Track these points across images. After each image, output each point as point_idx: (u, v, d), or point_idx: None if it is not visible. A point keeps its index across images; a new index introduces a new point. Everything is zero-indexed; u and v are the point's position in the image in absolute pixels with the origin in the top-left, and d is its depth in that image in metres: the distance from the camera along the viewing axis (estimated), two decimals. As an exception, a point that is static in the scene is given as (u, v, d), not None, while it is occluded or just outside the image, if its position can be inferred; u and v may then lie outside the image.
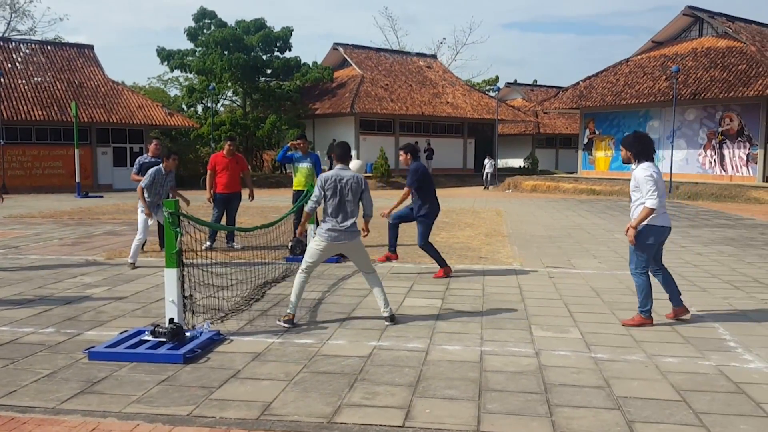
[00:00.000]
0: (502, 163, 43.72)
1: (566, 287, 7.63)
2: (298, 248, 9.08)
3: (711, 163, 27.35)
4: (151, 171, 8.80)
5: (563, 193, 27.64)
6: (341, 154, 5.99)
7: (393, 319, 5.86)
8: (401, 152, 8.60)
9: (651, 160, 5.77)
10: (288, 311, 5.78)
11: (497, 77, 56.65)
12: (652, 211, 5.55)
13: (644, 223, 5.64)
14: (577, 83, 33.00)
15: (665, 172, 26.34)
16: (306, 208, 6.10)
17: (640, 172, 5.66)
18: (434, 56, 45.15)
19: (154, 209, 8.78)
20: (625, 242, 11.50)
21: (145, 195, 8.71)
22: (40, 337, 5.39)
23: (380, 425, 3.69)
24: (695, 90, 26.76)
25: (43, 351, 5.02)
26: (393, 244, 8.69)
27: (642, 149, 5.77)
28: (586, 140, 32.24)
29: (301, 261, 8.29)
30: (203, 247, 9.85)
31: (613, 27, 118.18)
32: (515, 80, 52.49)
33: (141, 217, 8.86)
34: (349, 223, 5.81)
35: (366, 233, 6.13)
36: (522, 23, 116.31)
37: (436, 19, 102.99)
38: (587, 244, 11.47)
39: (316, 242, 5.89)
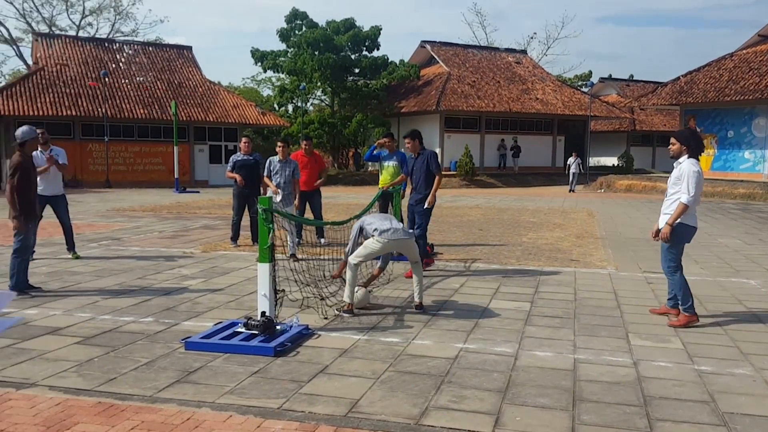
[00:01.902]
0: (593, 161, 42.30)
1: (666, 294, 7.22)
2: None
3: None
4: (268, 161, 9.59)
5: (660, 193, 26.34)
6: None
7: (422, 307, 6.24)
8: (408, 139, 8.22)
9: (698, 159, 5.92)
10: (346, 301, 6.07)
11: (590, 72, 54.98)
12: (686, 207, 5.69)
13: (679, 221, 5.76)
14: (677, 78, 31.43)
15: (772, 172, 24.71)
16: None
17: (690, 166, 5.75)
18: (524, 51, 44.26)
19: (284, 201, 9.35)
20: (730, 248, 10.87)
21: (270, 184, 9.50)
22: (139, 326, 5.63)
23: (469, 430, 3.60)
24: (809, 85, 24.90)
25: (142, 340, 5.23)
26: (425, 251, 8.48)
27: (696, 146, 5.93)
28: (685, 138, 30.65)
29: (395, 260, 8.40)
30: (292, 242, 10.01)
31: (713, 20, 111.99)
32: (610, 75, 50.61)
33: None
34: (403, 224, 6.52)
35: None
36: (616, 16, 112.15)
37: (526, 14, 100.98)
38: (688, 248, 10.80)
39: (373, 243, 6.09)
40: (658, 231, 6.02)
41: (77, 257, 9.11)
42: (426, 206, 8.08)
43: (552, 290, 7.36)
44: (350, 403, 3.94)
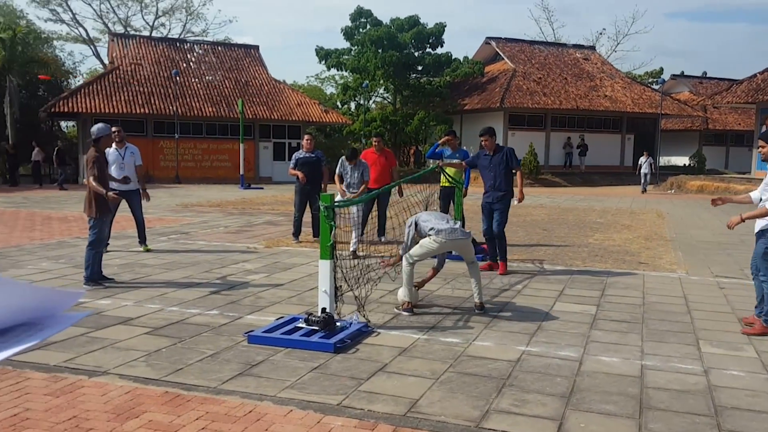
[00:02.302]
0: (664, 161, 40.90)
1: (739, 300, 6.93)
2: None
3: None
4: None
5: (734, 195, 25.30)
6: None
7: (482, 307, 6.13)
8: (486, 136, 8.16)
9: None
10: (404, 300, 6.08)
11: (661, 69, 53.00)
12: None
13: None
14: (754, 75, 30.01)
15: None
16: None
17: None
18: (592, 47, 43.16)
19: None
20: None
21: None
22: (205, 319, 5.77)
23: (530, 435, 3.53)
24: None
25: (207, 332, 5.36)
26: (494, 253, 8.35)
27: None
28: (763, 138, 29.26)
29: (451, 259, 8.35)
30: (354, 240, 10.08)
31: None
32: (682, 72, 48.80)
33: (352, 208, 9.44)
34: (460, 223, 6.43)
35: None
36: (689, 12, 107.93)
37: (595, 9, 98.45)
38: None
39: (430, 243, 6.01)
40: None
41: (148, 250, 9.44)
42: (518, 202, 8.40)
43: (619, 293, 7.15)
44: (409, 403, 3.92)
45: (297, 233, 10.59)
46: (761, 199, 5.65)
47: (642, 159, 28.17)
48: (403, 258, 6.12)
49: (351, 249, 9.16)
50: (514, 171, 8.23)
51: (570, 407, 3.92)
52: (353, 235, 9.21)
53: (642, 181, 27.70)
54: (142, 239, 9.51)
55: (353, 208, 9.55)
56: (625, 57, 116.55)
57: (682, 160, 41.47)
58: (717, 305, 6.68)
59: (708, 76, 49.75)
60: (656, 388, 4.26)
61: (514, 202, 8.38)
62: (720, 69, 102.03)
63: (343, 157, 9.77)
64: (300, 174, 10.22)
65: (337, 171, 9.78)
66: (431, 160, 11.10)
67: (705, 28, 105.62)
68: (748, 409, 3.94)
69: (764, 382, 4.41)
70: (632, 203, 20.86)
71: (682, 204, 20.80)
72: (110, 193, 7.00)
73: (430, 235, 6.03)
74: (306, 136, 10.67)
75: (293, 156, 10.64)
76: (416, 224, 6.25)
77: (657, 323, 5.90)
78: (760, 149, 5.72)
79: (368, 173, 9.79)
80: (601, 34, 78.96)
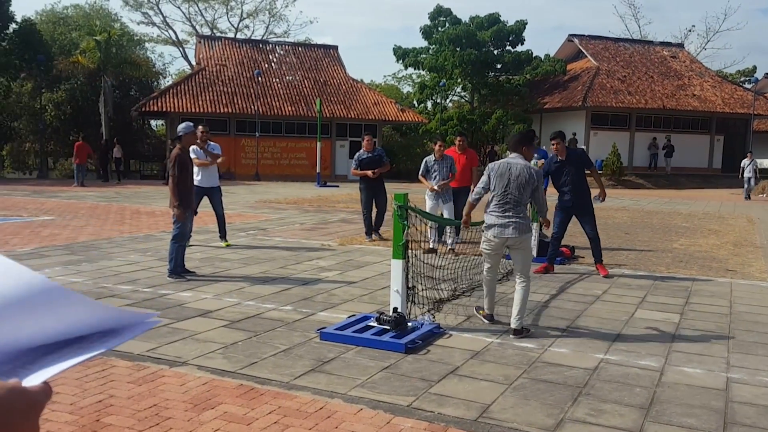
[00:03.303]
0: (744, 162, 38.69)
1: (840, 313, 6.45)
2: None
3: None
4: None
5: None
6: (515, 142, 5.64)
7: (518, 332, 5.26)
8: (556, 141, 7.98)
9: None
10: (485, 308, 5.74)
11: (755, 67, 50.16)
12: None
13: None
14: None
15: None
16: (470, 198, 5.88)
17: None
18: (680, 45, 41.37)
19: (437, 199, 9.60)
20: None
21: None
22: (279, 314, 5.89)
23: (606, 447, 3.40)
24: None
25: (281, 327, 5.47)
26: (554, 256, 8.14)
27: None
28: None
29: (543, 261, 8.23)
30: (431, 240, 10.05)
31: None
32: (778, 70, 46.05)
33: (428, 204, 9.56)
34: (514, 215, 5.36)
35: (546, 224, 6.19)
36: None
37: (684, 5, 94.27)
38: None
39: (483, 241, 5.55)
40: None
41: (228, 245, 9.73)
42: (602, 200, 8.32)
43: (705, 302, 6.80)
44: (481, 408, 3.86)
45: (369, 231, 10.67)
46: None
47: (745, 161, 25.09)
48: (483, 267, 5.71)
49: (430, 245, 9.29)
50: (588, 171, 8.07)
51: (649, 419, 3.75)
52: (431, 233, 9.28)
53: (745, 186, 24.55)
54: (222, 234, 9.81)
55: (444, 211, 9.56)
56: (716, 55, 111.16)
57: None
58: (814, 318, 6.25)
59: (807, 73, 46.68)
60: (742, 403, 4.02)
61: (598, 201, 8.21)
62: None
63: (426, 158, 9.81)
64: (369, 172, 10.39)
65: (420, 173, 9.84)
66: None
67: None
68: None
69: None
70: (720, 207, 19.86)
71: (777, 209, 19.63)
72: (176, 211, 7.28)
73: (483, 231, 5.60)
74: (366, 137, 10.83)
75: (355, 156, 10.78)
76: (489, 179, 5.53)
77: (745, 334, 5.58)
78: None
79: (455, 166, 9.82)
80: (690, 31, 75.75)
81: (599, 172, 30.56)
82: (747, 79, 44.81)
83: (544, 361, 4.77)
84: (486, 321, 5.68)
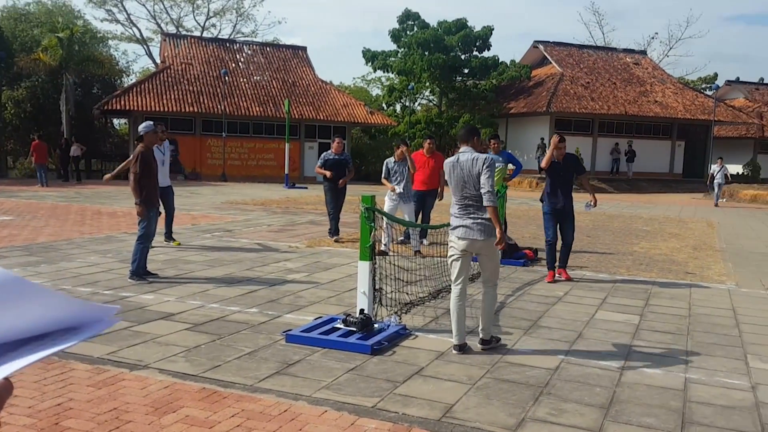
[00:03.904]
0: (714, 168, 39.68)
1: (792, 314, 6.66)
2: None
3: None
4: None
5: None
6: (465, 133, 5.12)
7: (486, 342, 4.94)
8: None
9: None
10: (454, 337, 4.98)
11: (716, 75, 51.55)
12: None
13: None
14: (815, 81, 28.92)
15: None
16: None
17: None
18: (643, 52, 42.26)
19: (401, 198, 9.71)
20: None
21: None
22: (244, 316, 5.84)
23: (567, 446, 3.46)
24: None
25: (246, 330, 5.43)
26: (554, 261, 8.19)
27: None
28: (822, 146, 28.16)
29: (507, 263, 8.30)
30: (395, 241, 10.10)
31: None
32: (737, 78, 47.26)
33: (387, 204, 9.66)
34: (477, 215, 4.86)
35: (499, 244, 4.90)
36: (749, 15, 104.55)
37: (648, 13, 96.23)
38: (820, 266, 9.97)
39: (449, 246, 5.05)
40: None
41: (178, 244, 9.71)
42: (594, 206, 8.32)
43: (664, 304, 6.96)
44: (444, 408, 3.89)
45: (334, 231, 10.83)
46: None
47: (715, 167, 24.13)
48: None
49: (414, 249, 9.55)
50: (577, 178, 8.16)
51: (609, 419, 3.83)
52: (383, 236, 9.28)
53: (716, 190, 23.76)
54: (169, 234, 9.74)
55: (405, 211, 9.71)
56: (678, 62, 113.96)
57: (736, 169, 40.10)
58: (768, 319, 6.44)
59: (765, 82, 48.13)
60: (700, 403, 4.13)
61: (590, 208, 8.36)
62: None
63: (387, 161, 9.98)
64: (328, 173, 10.57)
65: (383, 176, 10.00)
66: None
67: (764, 32, 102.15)
68: (798, 428, 3.78)
69: (816, 401, 4.23)
70: (681, 211, 20.32)
71: (734, 213, 20.17)
72: (138, 208, 7.24)
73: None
74: (336, 139, 11.02)
75: (322, 155, 10.98)
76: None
77: (703, 336, 5.73)
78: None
79: (414, 165, 9.95)
80: (653, 38, 77.73)
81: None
82: (708, 86, 46.01)
83: (506, 361, 4.82)
84: (455, 351, 4.94)
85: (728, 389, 4.39)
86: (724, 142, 42.14)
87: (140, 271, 7.23)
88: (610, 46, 46.43)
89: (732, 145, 42.64)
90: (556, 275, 8.06)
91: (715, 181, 23.66)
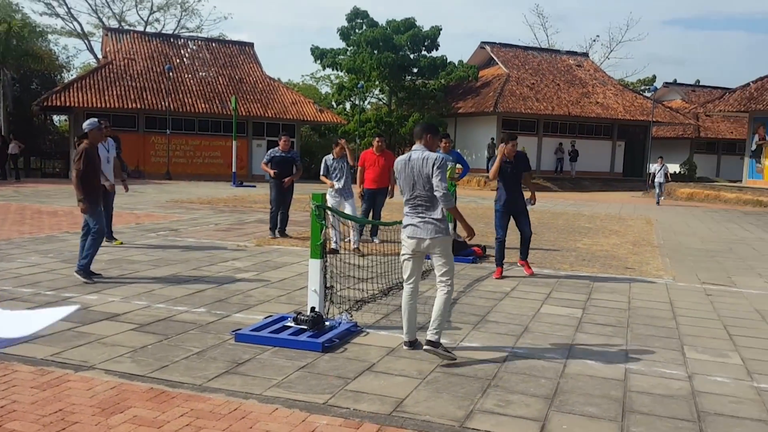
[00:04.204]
0: (654, 168, 41.12)
1: (726, 307, 6.99)
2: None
3: None
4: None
5: (724, 203, 25.50)
6: (419, 130, 5.00)
7: (433, 344, 4.69)
8: (514, 143, 8.16)
9: None
10: (404, 334, 5.04)
11: (654, 77, 53.43)
12: None
13: None
14: (747, 84, 30.25)
15: None
16: None
17: None
18: (585, 54, 43.40)
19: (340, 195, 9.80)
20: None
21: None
22: (192, 316, 5.77)
23: (514, 436, 3.56)
24: None
25: (194, 330, 5.36)
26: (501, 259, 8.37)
27: None
28: (754, 146, 29.48)
29: (459, 261, 8.37)
30: (347, 239, 10.12)
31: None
32: (675, 80, 49.18)
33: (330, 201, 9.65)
34: (427, 215, 4.81)
35: (467, 236, 5.14)
36: (686, 19, 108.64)
37: (589, 16, 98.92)
38: (752, 261, 10.47)
39: (402, 246, 4.96)
40: None
41: (120, 243, 9.53)
42: (533, 203, 8.45)
43: (605, 298, 7.19)
44: (395, 402, 3.94)
45: (274, 228, 10.90)
46: None
47: (656, 166, 24.16)
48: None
49: (354, 246, 9.51)
50: (523, 176, 8.31)
51: (553, 408, 3.95)
52: (333, 233, 9.25)
53: (656, 190, 23.99)
54: (109, 233, 9.55)
55: (347, 207, 9.77)
56: (618, 64, 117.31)
57: (673, 168, 41.68)
58: (703, 312, 6.73)
59: (701, 84, 50.15)
60: (639, 392, 4.30)
61: (530, 204, 8.48)
62: (714, 78, 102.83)
63: (326, 157, 10.06)
64: (271, 171, 10.62)
65: (321, 173, 10.05)
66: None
67: (702, 36, 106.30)
68: (732, 415, 3.97)
69: (748, 389, 4.46)
70: (621, 209, 20.98)
71: (672, 211, 20.94)
72: (81, 205, 7.08)
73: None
74: (283, 137, 11.04)
75: (269, 152, 10.97)
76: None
77: (642, 328, 5.95)
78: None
79: (353, 157, 10.15)
80: (594, 41, 79.63)
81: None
82: (647, 87, 47.63)
83: (456, 355, 4.90)
84: (406, 347, 5.01)
85: (666, 379, 4.58)
86: (662, 142, 43.72)
87: (88, 269, 7.07)
88: (553, 48, 47.50)
89: (669, 145, 44.28)
90: (521, 268, 8.36)
91: (656, 180, 24.06)
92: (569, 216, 17.58)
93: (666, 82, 48.71)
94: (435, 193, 4.74)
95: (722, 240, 13.23)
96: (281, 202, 10.86)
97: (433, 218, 4.80)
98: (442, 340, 4.82)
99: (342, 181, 9.85)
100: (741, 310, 6.84)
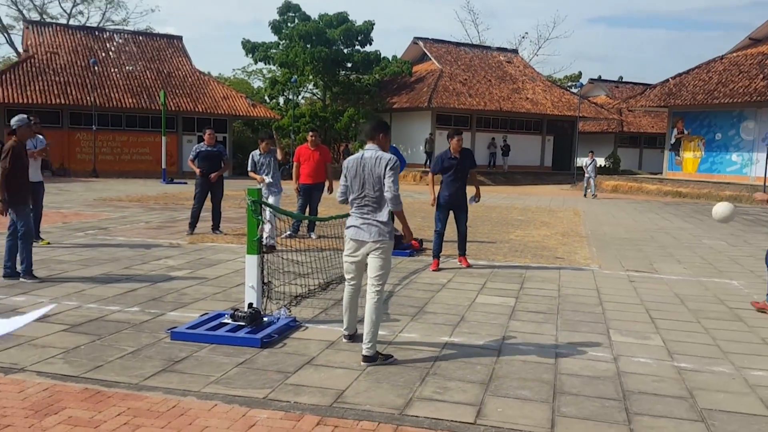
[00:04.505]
0: (581, 161, 42.56)
1: (648, 292, 7.36)
2: None
3: (810, 168, 25.66)
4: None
5: (646, 194, 26.67)
6: (371, 129, 4.86)
7: (370, 359, 4.55)
8: (459, 138, 8.32)
9: None
10: (344, 327, 5.07)
11: (580, 73, 55.29)
12: None
13: None
14: (666, 80, 31.69)
15: (758, 176, 24.96)
16: (336, 197, 5.07)
17: None
18: (515, 51, 44.42)
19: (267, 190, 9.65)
20: (714, 249, 11.02)
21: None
22: (125, 316, 5.64)
23: (451, 420, 3.67)
24: (795, 90, 25.17)
25: (128, 329, 5.25)
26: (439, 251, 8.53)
27: None
28: (673, 140, 30.96)
29: (400, 254, 8.43)
30: (283, 235, 10.08)
31: (707, 23, 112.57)
32: (599, 76, 50.88)
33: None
34: (372, 217, 4.72)
35: (405, 240, 5.08)
36: (609, 18, 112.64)
37: (518, 13, 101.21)
38: (672, 249, 11.02)
39: (345, 248, 4.90)
40: None
41: (47, 243, 9.22)
42: (477, 200, 8.65)
43: (537, 286, 7.45)
44: (336, 394, 3.99)
45: (193, 224, 10.74)
46: None
47: (586, 160, 24.24)
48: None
49: (267, 243, 9.29)
50: (469, 172, 8.45)
51: (489, 393, 4.09)
52: (266, 228, 9.18)
53: (585, 184, 24.29)
54: (36, 233, 9.22)
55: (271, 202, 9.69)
56: (546, 61, 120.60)
57: (599, 161, 43.27)
58: (627, 297, 7.07)
59: (624, 80, 52.11)
60: (569, 374, 4.50)
61: (474, 202, 8.62)
62: (637, 74, 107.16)
63: (252, 153, 9.96)
64: (197, 169, 10.53)
65: (249, 168, 9.95)
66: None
67: (624, 34, 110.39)
68: (654, 393, 4.21)
69: (669, 368, 4.73)
70: (551, 202, 21.64)
71: (598, 203, 21.75)
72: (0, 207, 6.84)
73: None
74: (208, 131, 10.93)
75: (194, 148, 10.81)
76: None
77: (571, 314, 6.20)
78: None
79: (282, 150, 10.05)
80: (523, 38, 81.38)
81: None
82: (573, 84, 49.13)
83: (395, 345, 5.00)
84: (345, 340, 5.06)
85: (593, 361, 4.81)
86: (588, 136, 45.27)
87: (31, 270, 6.87)
88: (485, 44, 48.39)
89: (595, 139, 45.88)
90: (459, 263, 8.52)
91: (586, 174, 24.33)
92: (502, 209, 18.01)
93: (591, 79, 50.40)
94: (386, 194, 4.63)
95: (644, 229, 13.86)
96: (204, 199, 10.66)
97: (377, 220, 4.68)
98: (381, 332, 4.88)
99: (270, 175, 9.75)
100: (662, 295, 7.22)
